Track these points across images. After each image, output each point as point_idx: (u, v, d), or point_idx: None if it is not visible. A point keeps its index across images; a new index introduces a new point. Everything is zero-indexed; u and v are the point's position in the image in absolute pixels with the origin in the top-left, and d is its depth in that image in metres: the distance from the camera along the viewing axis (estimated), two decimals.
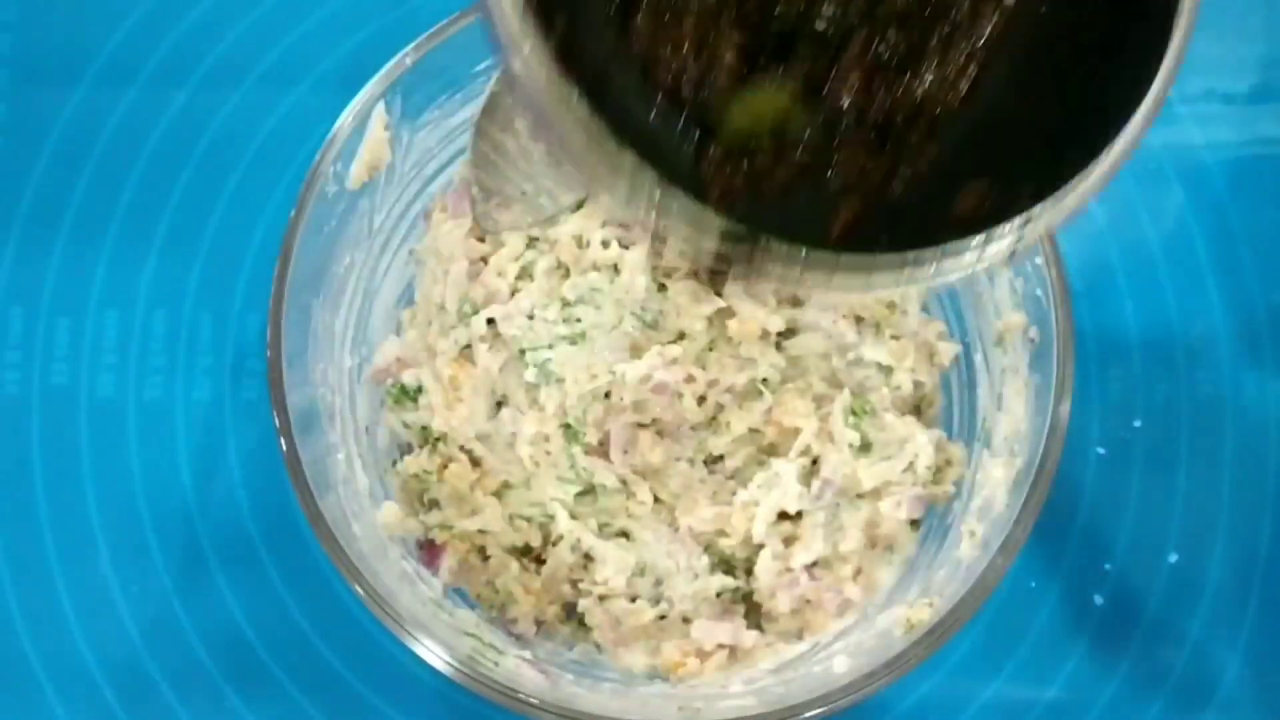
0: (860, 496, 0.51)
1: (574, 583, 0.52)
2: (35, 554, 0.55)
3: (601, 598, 0.51)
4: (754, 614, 0.52)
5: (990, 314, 0.51)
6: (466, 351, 0.53)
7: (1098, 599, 0.56)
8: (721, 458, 0.53)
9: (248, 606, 0.55)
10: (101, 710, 0.54)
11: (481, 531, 0.51)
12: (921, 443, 0.51)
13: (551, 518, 0.51)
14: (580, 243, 0.52)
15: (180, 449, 0.57)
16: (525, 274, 0.53)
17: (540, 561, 0.52)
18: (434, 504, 0.52)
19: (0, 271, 0.59)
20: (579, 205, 0.52)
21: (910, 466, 0.51)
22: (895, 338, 0.53)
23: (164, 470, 0.57)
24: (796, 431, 0.52)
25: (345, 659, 0.55)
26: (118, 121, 0.60)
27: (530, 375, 0.51)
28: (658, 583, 0.51)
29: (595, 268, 0.51)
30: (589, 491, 0.52)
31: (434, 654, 0.44)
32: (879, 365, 0.52)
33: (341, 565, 0.44)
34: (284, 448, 0.45)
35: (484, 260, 0.53)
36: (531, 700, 0.43)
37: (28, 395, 0.57)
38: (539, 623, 0.52)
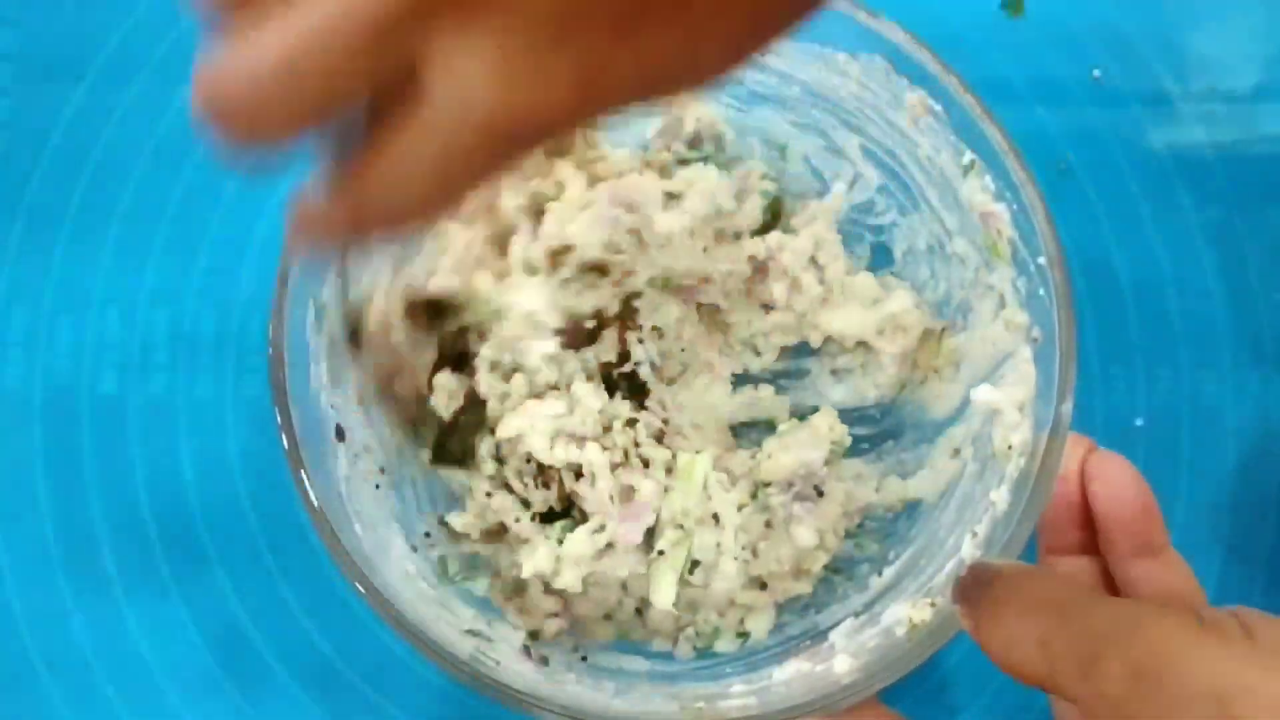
0: None
1: None
2: (37, 550, 0.56)
3: None
4: None
5: None
6: None
7: None
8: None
9: (249, 603, 0.55)
10: (102, 706, 0.54)
11: None
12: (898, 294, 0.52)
13: None
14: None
15: (182, 446, 0.57)
16: None
17: None
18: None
19: (2, 268, 0.59)
20: None
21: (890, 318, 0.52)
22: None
23: (166, 467, 0.57)
24: None
25: (347, 656, 0.55)
26: (120, 118, 0.60)
27: None
28: None
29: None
30: None
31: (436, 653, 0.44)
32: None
33: (343, 564, 0.44)
34: (286, 445, 0.45)
35: None
36: (533, 700, 0.43)
37: (29, 392, 0.57)
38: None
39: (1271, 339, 0.59)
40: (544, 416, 0.49)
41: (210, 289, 0.58)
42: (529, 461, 0.49)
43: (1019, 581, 0.40)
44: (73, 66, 0.61)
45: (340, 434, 0.50)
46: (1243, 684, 0.34)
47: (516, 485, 0.50)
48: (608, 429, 0.49)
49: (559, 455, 0.48)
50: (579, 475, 0.48)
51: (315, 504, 0.45)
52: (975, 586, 0.41)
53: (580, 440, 0.48)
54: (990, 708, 0.55)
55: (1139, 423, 0.58)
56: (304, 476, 0.45)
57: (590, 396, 0.49)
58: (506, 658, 0.48)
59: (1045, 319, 0.47)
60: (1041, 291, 0.47)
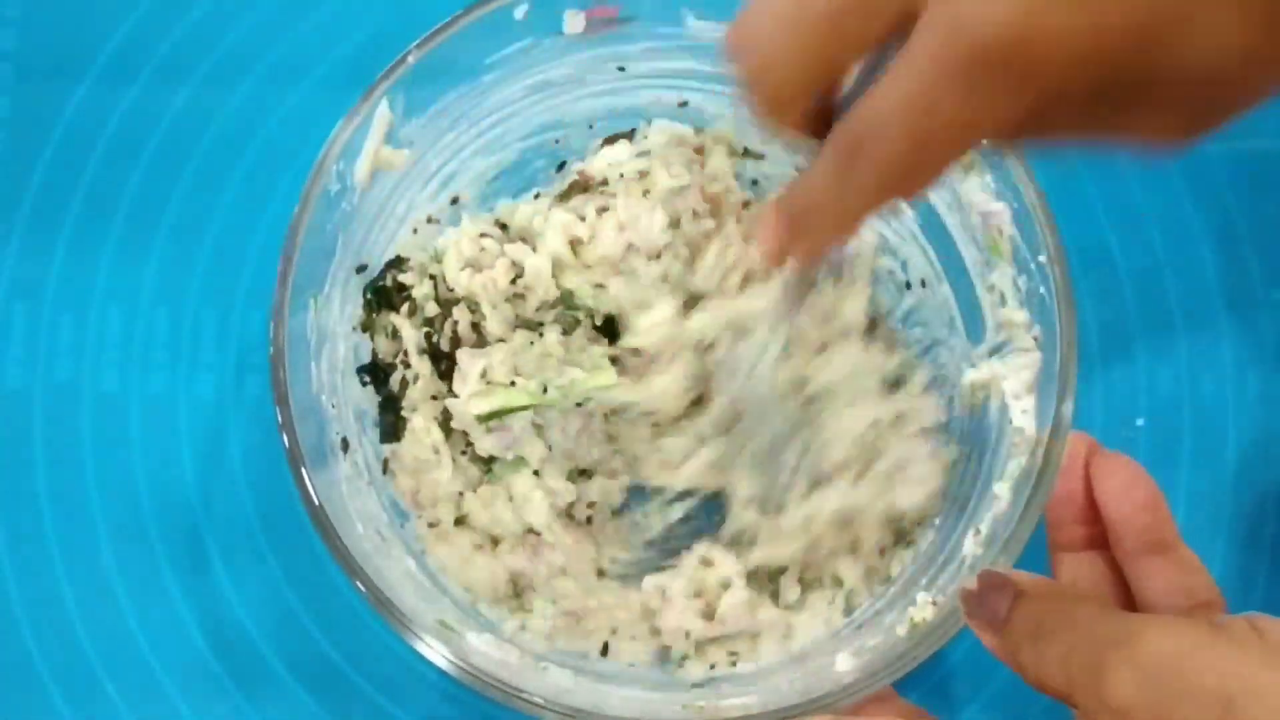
0: None
1: None
2: (38, 549, 0.56)
3: None
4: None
5: None
6: None
7: None
8: None
9: (250, 602, 0.55)
10: (103, 705, 0.54)
11: None
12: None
13: None
14: None
15: (183, 445, 0.57)
16: None
17: None
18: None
19: (4, 267, 0.59)
20: None
21: None
22: None
23: (167, 466, 0.57)
24: None
25: (348, 655, 0.55)
26: (121, 117, 0.60)
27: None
28: None
29: None
30: None
31: (437, 652, 0.44)
32: None
33: (344, 563, 0.44)
34: (286, 444, 0.45)
35: None
36: (534, 698, 0.43)
37: (30, 390, 0.57)
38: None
39: (1272, 339, 0.59)
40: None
41: (211, 287, 0.59)
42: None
43: (1045, 606, 0.40)
44: (73, 66, 0.61)
45: (344, 443, 0.50)
46: (1251, 685, 0.33)
47: None
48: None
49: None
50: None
51: (315, 503, 0.45)
52: (991, 603, 0.40)
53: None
54: (993, 703, 0.55)
55: (1139, 422, 0.58)
56: (304, 476, 0.45)
57: None
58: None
59: (1046, 317, 0.47)
60: (1042, 290, 0.47)
